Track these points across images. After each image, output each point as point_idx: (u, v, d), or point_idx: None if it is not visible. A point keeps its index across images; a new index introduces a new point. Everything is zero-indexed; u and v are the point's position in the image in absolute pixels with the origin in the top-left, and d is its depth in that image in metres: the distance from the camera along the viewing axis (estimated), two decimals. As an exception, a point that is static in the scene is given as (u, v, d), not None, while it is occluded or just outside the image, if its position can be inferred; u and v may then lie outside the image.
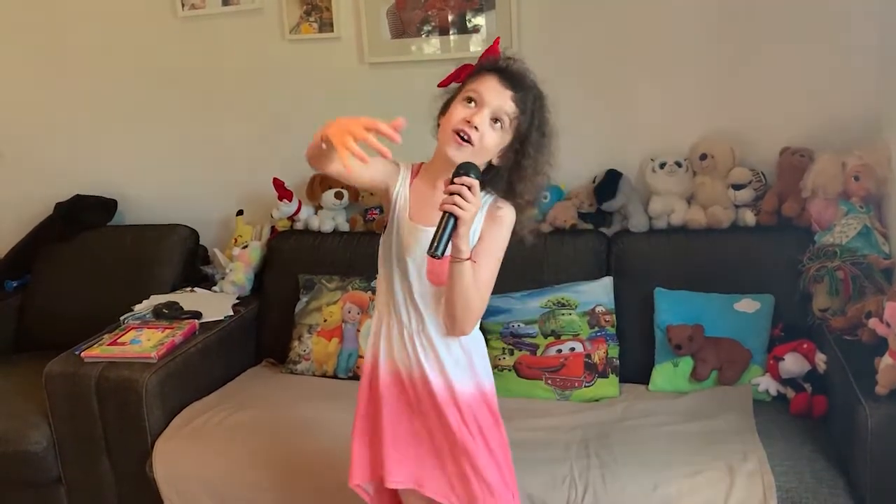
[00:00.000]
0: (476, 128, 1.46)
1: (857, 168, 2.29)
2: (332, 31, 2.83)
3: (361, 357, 2.53)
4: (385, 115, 3.11)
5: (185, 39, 2.99)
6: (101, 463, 2.35)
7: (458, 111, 1.49)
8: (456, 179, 1.41)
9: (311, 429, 2.21)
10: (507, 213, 1.54)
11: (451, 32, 2.76)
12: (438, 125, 1.56)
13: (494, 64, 1.53)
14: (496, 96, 1.48)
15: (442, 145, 1.52)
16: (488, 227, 1.53)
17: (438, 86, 1.60)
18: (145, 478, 2.23)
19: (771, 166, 2.54)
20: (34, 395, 2.39)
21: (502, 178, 1.54)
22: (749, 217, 2.50)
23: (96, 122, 3.16)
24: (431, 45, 2.79)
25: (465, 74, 1.55)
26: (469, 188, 1.39)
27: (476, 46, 2.74)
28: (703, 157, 2.54)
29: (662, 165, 2.58)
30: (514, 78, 1.50)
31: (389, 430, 1.60)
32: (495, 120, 1.49)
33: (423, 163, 1.62)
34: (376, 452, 1.62)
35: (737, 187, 2.50)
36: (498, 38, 1.62)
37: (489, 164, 1.53)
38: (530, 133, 1.52)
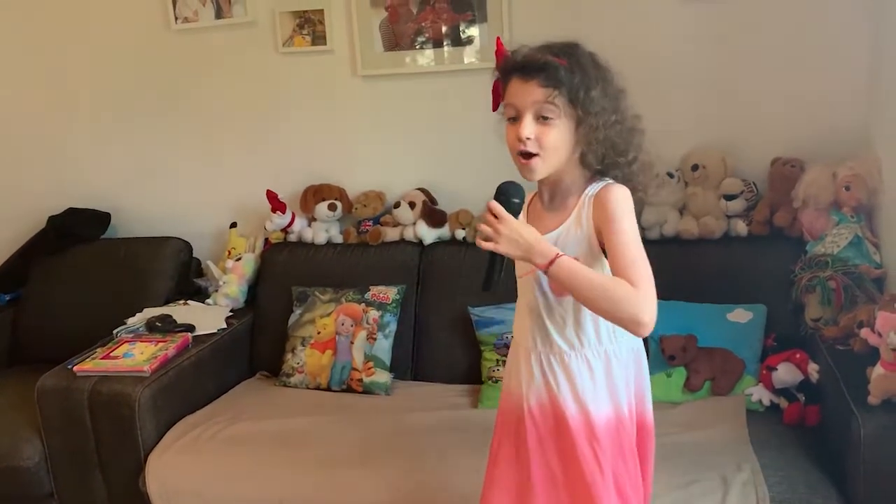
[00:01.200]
0: (528, 139, 1.38)
1: (848, 178, 2.30)
2: (325, 43, 2.84)
3: (355, 369, 2.53)
4: (377, 127, 3.16)
5: (178, 53, 3.00)
6: (93, 477, 2.33)
7: (509, 133, 1.42)
8: (485, 214, 1.37)
9: (306, 441, 2.21)
10: (610, 191, 1.41)
11: (444, 44, 2.77)
12: None
13: (507, 66, 1.43)
14: (525, 97, 1.38)
15: (520, 172, 1.44)
16: (599, 216, 1.40)
17: (493, 111, 1.49)
18: (138, 492, 2.22)
19: (762, 177, 2.55)
20: (26, 410, 2.38)
21: (593, 154, 1.42)
22: (741, 227, 2.51)
23: (90, 136, 3.16)
24: (425, 57, 2.80)
25: (498, 89, 1.46)
26: (493, 213, 1.35)
27: (470, 58, 2.75)
28: (695, 167, 2.55)
29: (654, 176, 2.58)
30: (531, 66, 1.38)
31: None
32: (542, 118, 1.39)
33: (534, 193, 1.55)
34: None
35: (728, 198, 2.51)
36: (498, 37, 1.52)
37: (582, 154, 1.42)
38: (578, 97, 1.38)
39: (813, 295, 2.21)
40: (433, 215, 2.76)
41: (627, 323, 1.35)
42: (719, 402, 2.24)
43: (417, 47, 2.79)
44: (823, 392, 2.09)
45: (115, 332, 2.58)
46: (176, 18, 2.96)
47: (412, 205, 2.77)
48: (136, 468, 2.25)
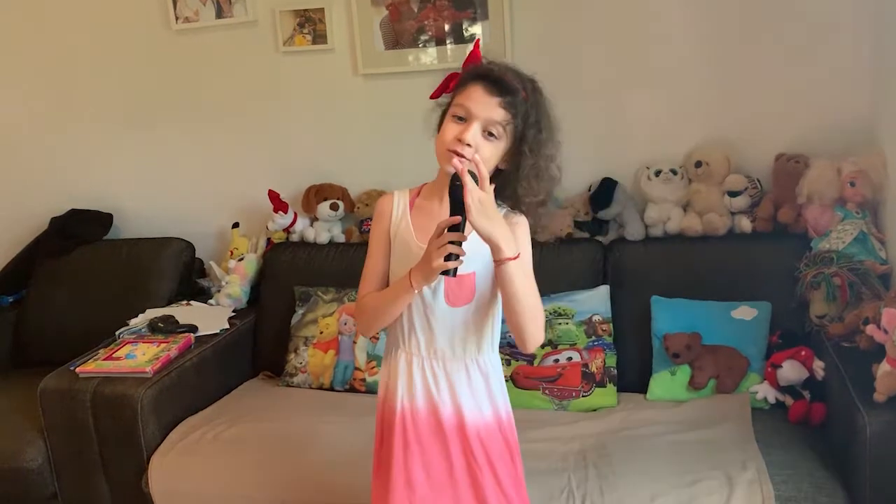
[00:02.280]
0: (469, 144, 1.41)
1: (853, 174, 2.29)
2: (326, 42, 2.84)
3: (358, 369, 2.52)
4: (378, 126, 3.15)
5: (179, 52, 2.99)
6: (96, 479, 2.33)
7: (450, 129, 1.44)
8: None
9: (308, 442, 2.20)
10: (521, 220, 1.49)
11: (447, 42, 2.76)
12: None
13: (478, 71, 1.46)
14: (483, 108, 1.42)
15: (440, 163, 1.48)
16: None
17: (430, 98, 1.55)
18: (141, 493, 2.22)
19: (766, 173, 2.53)
20: (29, 412, 2.38)
21: (509, 182, 1.48)
22: (745, 224, 2.49)
23: (91, 137, 3.16)
24: (428, 55, 2.79)
25: (453, 84, 1.50)
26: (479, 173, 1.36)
27: (471, 56, 2.74)
28: (699, 164, 2.54)
29: (658, 173, 2.58)
30: (500, 83, 1.43)
31: (416, 472, 1.52)
32: (488, 132, 1.43)
33: (424, 184, 1.58)
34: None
35: (732, 194, 2.50)
36: (477, 40, 1.54)
37: (497, 169, 1.48)
38: (527, 133, 1.45)
39: (818, 292, 2.20)
40: (435, 214, 2.75)
41: (530, 337, 1.44)
42: (724, 399, 2.23)
43: (420, 45, 2.79)
44: (829, 389, 2.08)
45: (117, 332, 2.58)
46: (176, 18, 2.95)
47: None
48: (139, 469, 2.25)
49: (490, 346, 1.54)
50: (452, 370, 1.51)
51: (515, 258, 1.37)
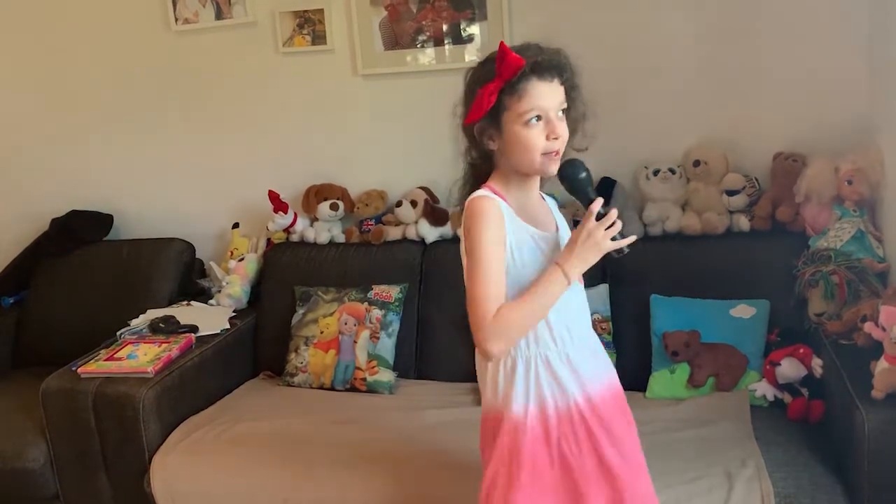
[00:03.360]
0: (562, 136, 1.44)
1: (850, 172, 2.30)
2: (326, 43, 2.85)
3: (359, 368, 2.53)
4: (378, 126, 3.16)
5: (179, 54, 3.00)
6: (98, 479, 2.34)
7: (534, 135, 1.41)
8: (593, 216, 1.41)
9: (310, 441, 2.21)
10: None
11: (445, 42, 2.77)
12: (485, 144, 1.47)
13: (526, 68, 1.41)
14: (551, 97, 1.43)
15: (534, 169, 1.46)
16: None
17: (467, 123, 1.48)
18: (143, 493, 2.23)
19: (764, 171, 2.54)
20: (31, 412, 2.39)
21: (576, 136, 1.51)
22: (743, 222, 2.50)
23: (91, 138, 3.17)
24: (426, 56, 2.80)
25: (493, 96, 1.42)
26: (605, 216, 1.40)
27: (471, 56, 2.75)
28: (697, 163, 2.55)
29: (656, 172, 2.59)
30: (549, 66, 1.43)
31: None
32: (560, 113, 1.45)
33: (490, 185, 1.50)
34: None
35: (731, 193, 2.51)
36: (502, 41, 1.47)
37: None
38: (576, 95, 1.50)
39: (816, 290, 2.21)
40: (435, 214, 2.76)
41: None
42: (723, 397, 2.24)
43: (418, 46, 2.79)
44: (827, 387, 2.09)
45: (118, 333, 2.59)
46: (176, 20, 2.96)
47: (414, 203, 2.77)
48: (141, 469, 2.25)
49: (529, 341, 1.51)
50: (592, 343, 1.56)
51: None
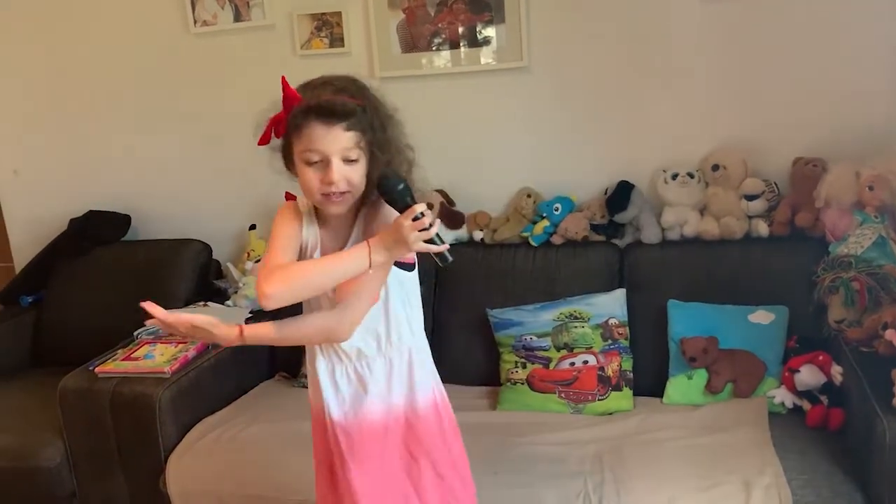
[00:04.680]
0: (336, 182, 1.40)
1: (872, 178, 2.28)
2: (343, 46, 2.85)
3: (374, 371, 2.52)
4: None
5: (197, 55, 3.01)
6: (115, 478, 2.35)
7: (310, 177, 1.41)
8: (412, 215, 1.37)
9: (324, 443, 2.21)
10: (387, 209, 1.47)
11: (461, 45, 2.76)
12: (287, 167, 1.50)
13: (307, 110, 1.39)
14: (332, 142, 1.38)
15: (316, 204, 1.48)
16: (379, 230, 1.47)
17: (259, 144, 1.49)
18: (159, 492, 2.24)
19: (784, 176, 2.52)
20: (49, 411, 2.40)
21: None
22: (762, 228, 2.48)
23: (109, 139, 3.18)
24: (442, 59, 2.80)
25: (282, 129, 1.44)
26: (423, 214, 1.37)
27: (487, 59, 2.75)
28: (716, 167, 2.53)
29: (674, 177, 2.57)
30: (332, 109, 1.38)
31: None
32: (348, 160, 1.40)
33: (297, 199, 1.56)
34: None
35: (749, 198, 2.49)
36: (283, 77, 1.46)
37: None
38: (378, 138, 1.44)
39: (836, 296, 2.19)
40: (451, 217, 2.76)
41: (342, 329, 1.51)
42: (741, 404, 2.22)
43: (434, 49, 2.79)
44: (847, 395, 2.07)
45: (135, 333, 2.60)
46: (195, 22, 2.97)
47: (430, 206, 2.77)
48: (157, 469, 2.26)
49: (409, 331, 1.56)
50: (375, 367, 1.53)
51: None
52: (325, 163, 1.40)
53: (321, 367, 1.56)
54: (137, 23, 3.05)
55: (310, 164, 1.41)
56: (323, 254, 1.51)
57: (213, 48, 3.00)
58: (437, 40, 2.78)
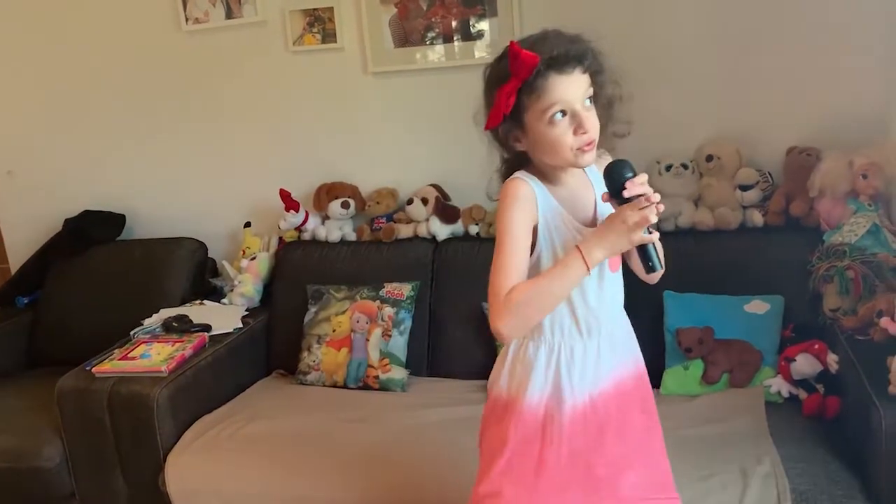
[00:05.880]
0: (588, 131, 1.34)
1: (865, 166, 2.28)
2: (335, 41, 2.84)
3: (371, 366, 2.53)
4: (389, 124, 3.16)
5: (189, 53, 3.01)
6: (114, 477, 2.35)
7: (562, 131, 1.34)
8: (631, 188, 1.29)
9: (323, 439, 2.21)
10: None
11: (454, 39, 2.76)
12: (511, 145, 1.42)
13: (542, 64, 1.32)
14: (574, 90, 1.33)
15: (567, 164, 1.38)
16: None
17: (487, 127, 1.41)
18: (158, 491, 2.24)
19: (778, 166, 2.52)
20: (47, 411, 2.40)
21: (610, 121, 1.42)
22: (757, 218, 2.49)
23: (103, 138, 3.18)
24: (435, 53, 2.79)
25: (511, 98, 1.35)
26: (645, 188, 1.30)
27: (480, 52, 2.74)
28: (710, 158, 2.53)
29: (669, 168, 2.57)
30: (566, 57, 1.33)
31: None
32: (588, 99, 1.36)
33: (526, 170, 1.44)
34: None
35: (744, 188, 2.49)
36: (511, 42, 1.38)
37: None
38: (603, 78, 1.40)
39: (831, 285, 2.20)
40: (446, 211, 2.76)
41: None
42: (737, 394, 2.23)
43: (427, 43, 2.79)
44: (843, 383, 2.08)
45: (132, 332, 2.60)
46: (187, 19, 2.97)
47: (425, 201, 2.77)
48: (156, 467, 2.27)
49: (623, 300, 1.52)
50: (617, 335, 1.49)
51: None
52: (571, 115, 1.34)
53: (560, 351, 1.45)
54: (129, 21, 3.04)
55: (553, 121, 1.34)
56: (573, 222, 1.41)
57: (205, 46, 2.99)
58: (430, 34, 2.78)
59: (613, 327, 1.49)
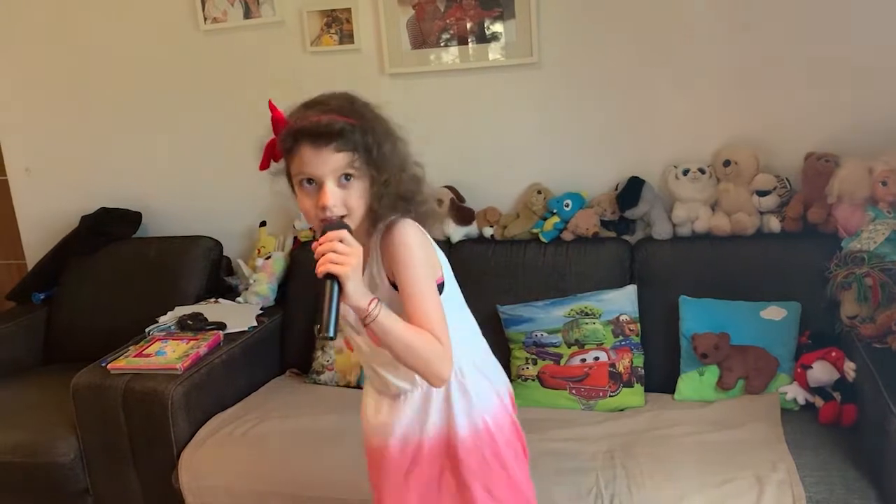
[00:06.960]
0: (333, 206, 1.34)
1: (885, 173, 2.26)
2: (353, 42, 2.85)
3: (384, 367, 2.53)
4: (405, 126, 3.13)
5: (207, 53, 3.02)
6: (128, 474, 2.36)
7: (305, 201, 1.36)
8: (322, 238, 1.30)
9: (336, 438, 2.22)
10: (399, 230, 1.39)
11: (469, 41, 2.76)
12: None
13: (295, 133, 1.34)
14: (323, 164, 1.32)
15: (316, 228, 1.40)
16: (392, 259, 1.39)
17: (260, 169, 1.46)
18: (172, 488, 2.25)
19: (795, 172, 2.51)
20: (62, 407, 2.41)
21: (383, 202, 1.39)
22: (774, 223, 2.47)
23: (121, 136, 3.20)
24: (449, 55, 2.79)
25: (278, 153, 1.40)
26: (340, 240, 1.28)
27: (495, 54, 2.74)
28: (727, 163, 2.52)
29: (685, 172, 2.56)
30: (321, 131, 1.32)
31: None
32: (344, 178, 1.35)
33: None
34: None
35: (761, 193, 2.48)
36: (270, 100, 1.44)
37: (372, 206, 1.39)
38: (375, 156, 1.37)
39: (849, 292, 2.18)
40: (461, 213, 2.76)
41: (431, 377, 1.39)
42: (753, 400, 2.22)
43: (442, 45, 2.79)
44: (860, 391, 2.06)
45: (147, 330, 2.61)
46: (205, 19, 2.98)
47: (439, 202, 2.77)
48: (170, 464, 2.28)
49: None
50: (411, 400, 1.52)
51: (371, 321, 1.31)
52: (319, 185, 1.34)
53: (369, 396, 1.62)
54: (148, 20, 3.06)
55: (302, 186, 1.36)
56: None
57: (223, 45, 3.00)
58: (445, 36, 2.78)
59: (403, 391, 1.53)
